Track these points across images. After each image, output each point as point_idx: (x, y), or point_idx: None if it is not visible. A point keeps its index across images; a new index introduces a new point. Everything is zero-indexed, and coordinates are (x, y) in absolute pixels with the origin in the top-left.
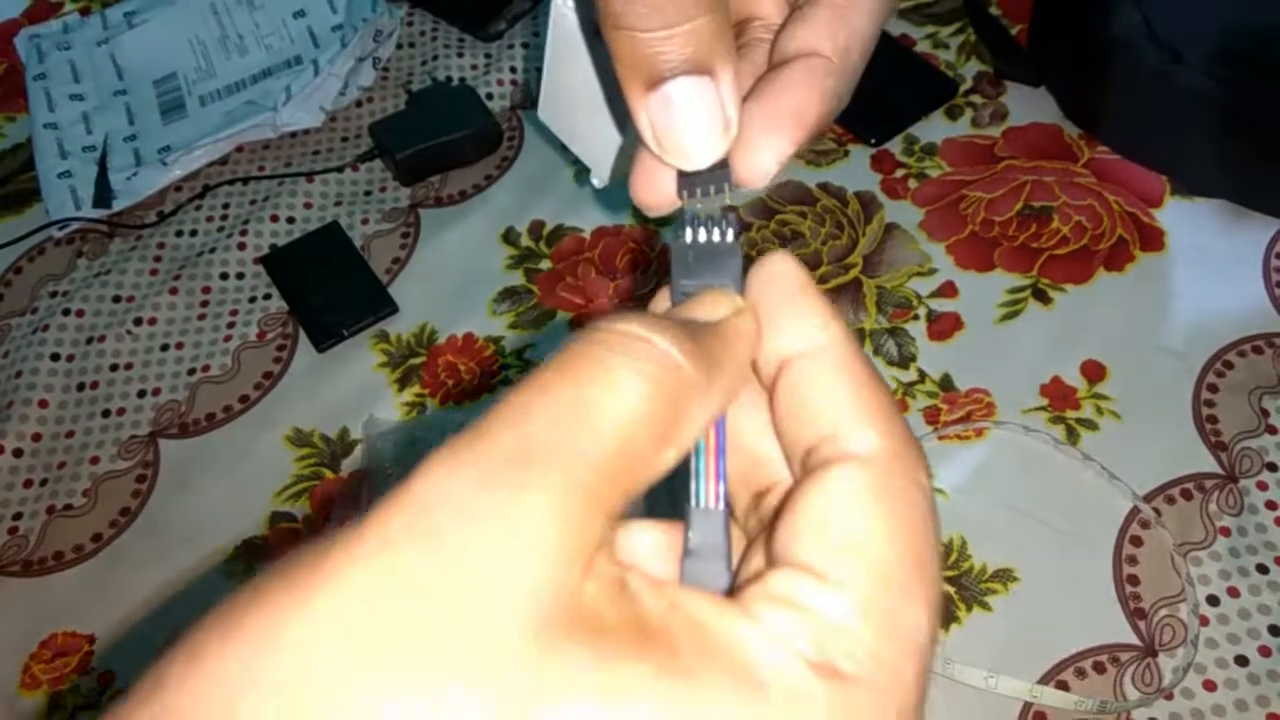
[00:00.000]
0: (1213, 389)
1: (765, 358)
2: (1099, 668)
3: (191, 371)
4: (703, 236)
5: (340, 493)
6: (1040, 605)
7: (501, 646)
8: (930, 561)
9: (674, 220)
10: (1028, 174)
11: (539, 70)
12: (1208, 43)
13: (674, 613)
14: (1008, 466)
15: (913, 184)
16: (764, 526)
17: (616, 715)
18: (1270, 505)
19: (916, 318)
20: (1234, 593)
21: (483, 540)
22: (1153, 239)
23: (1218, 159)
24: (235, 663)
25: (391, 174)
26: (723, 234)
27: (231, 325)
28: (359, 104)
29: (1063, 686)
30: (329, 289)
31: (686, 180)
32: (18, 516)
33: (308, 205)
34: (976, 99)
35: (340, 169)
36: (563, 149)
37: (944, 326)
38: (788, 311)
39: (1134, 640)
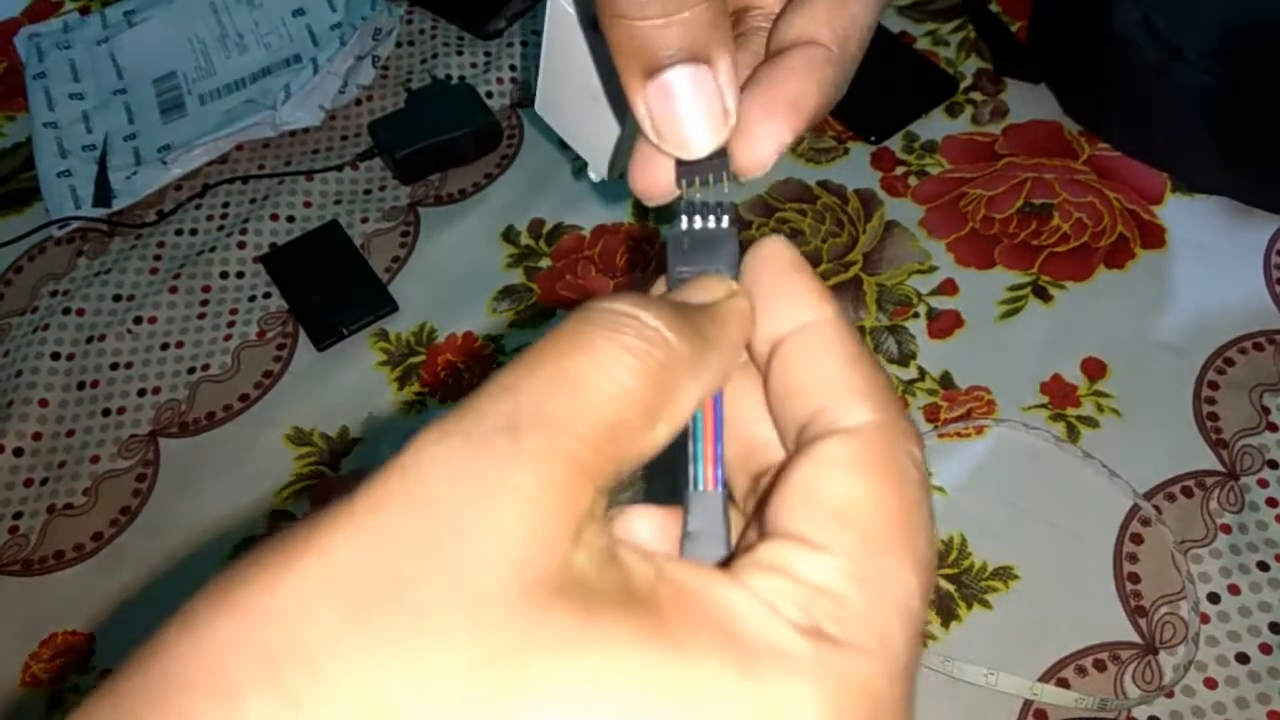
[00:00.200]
0: (1213, 386)
1: (759, 339)
2: (1099, 665)
3: (191, 370)
4: (699, 224)
5: (340, 491)
6: (1041, 603)
7: (487, 605)
8: (919, 527)
9: (673, 213)
10: (1028, 171)
11: (538, 66)
12: (1208, 39)
13: (661, 580)
14: (1008, 464)
15: (913, 181)
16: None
17: (600, 675)
18: (1271, 502)
19: (917, 315)
20: (1235, 590)
21: (470, 503)
22: (1153, 236)
23: (1218, 156)
24: (227, 626)
25: (391, 172)
26: (719, 221)
27: (231, 324)
28: (358, 102)
29: (1063, 684)
30: (329, 288)
31: (685, 169)
32: (18, 515)
33: (307, 204)
34: (977, 96)
35: (340, 167)
36: (562, 146)
37: (944, 324)
38: (780, 292)
39: (1134, 638)
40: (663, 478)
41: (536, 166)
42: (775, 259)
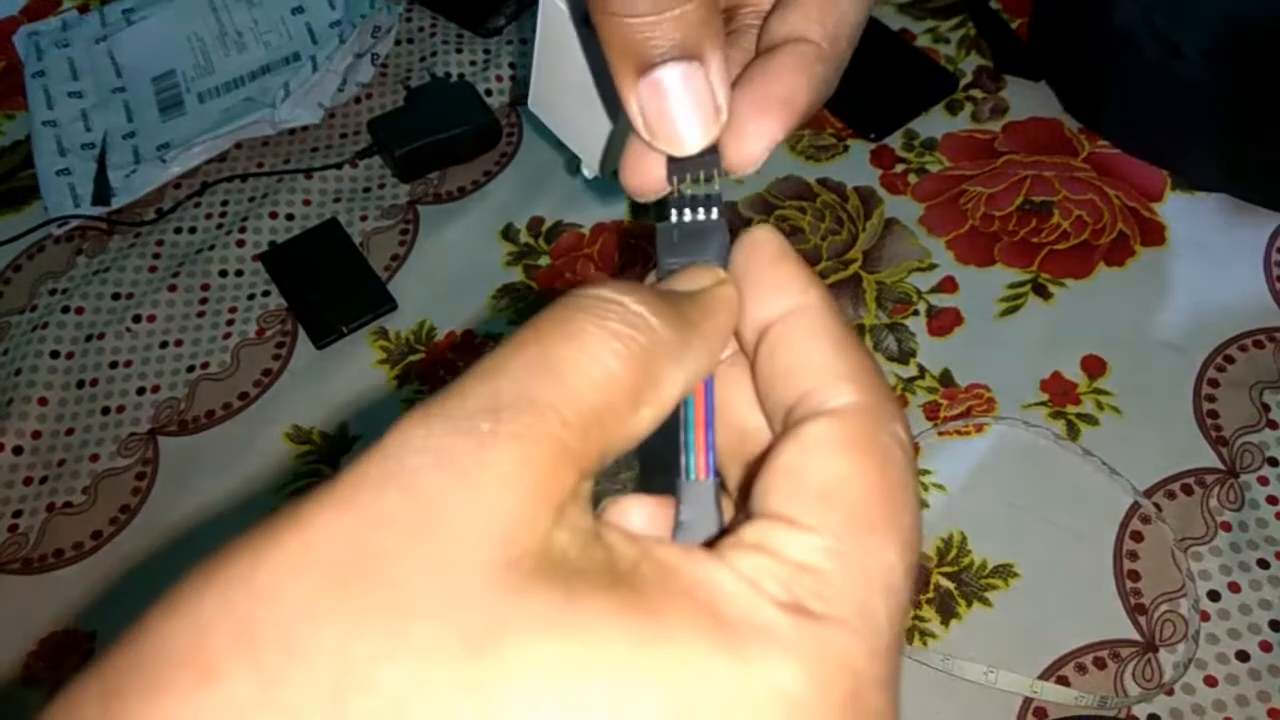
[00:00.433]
0: (1213, 384)
1: (747, 326)
2: (1099, 663)
3: (191, 369)
4: (688, 216)
5: None
6: (1041, 601)
7: (466, 581)
8: (903, 506)
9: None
10: (1028, 169)
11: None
12: (1208, 37)
13: (645, 559)
14: (1008, 462)
15: (912, 179)
16: None
17: (581, 652)
18: (1271, 500)
19: (916, 313)
20: (1235, 588)
21: (451, 482)
22: (1153, 234)
23: (1218, 153)
24: (208, 602)
25: (390, 170)
26: (707, 213)
27: (231, 322)
28: (357, 100)
29: (1063, 682)
30: (328, 286)
31: (676, 166)
32: (18, 514)
33: (306, 202)
34: (976, 93)
35: (339, 165)
36: (559, 144)
37: (944, 322)
38: (767, 279)
39: (1134, 635)
40: (661, 476)
41: (536, 164)
42: (762, 247)
